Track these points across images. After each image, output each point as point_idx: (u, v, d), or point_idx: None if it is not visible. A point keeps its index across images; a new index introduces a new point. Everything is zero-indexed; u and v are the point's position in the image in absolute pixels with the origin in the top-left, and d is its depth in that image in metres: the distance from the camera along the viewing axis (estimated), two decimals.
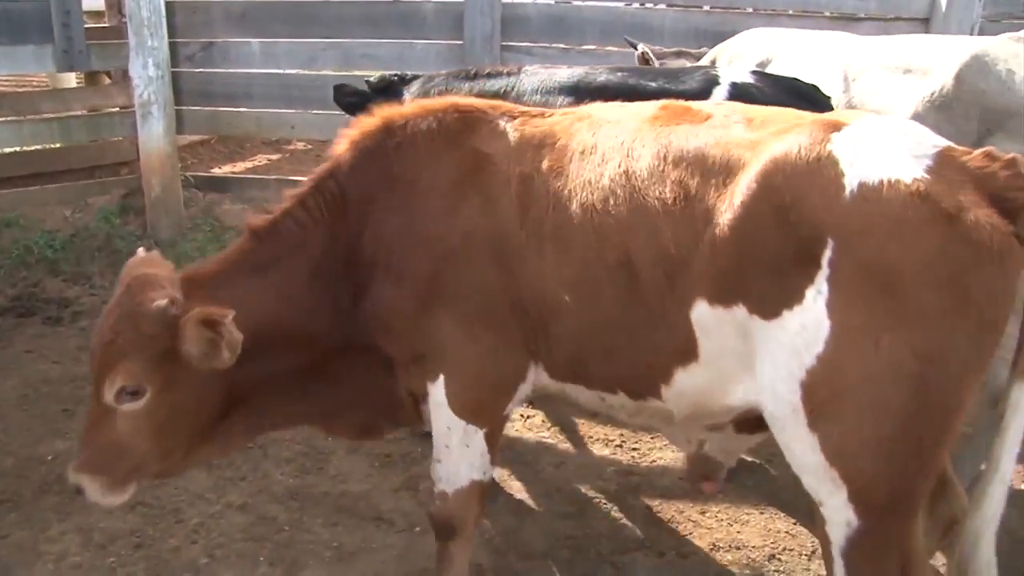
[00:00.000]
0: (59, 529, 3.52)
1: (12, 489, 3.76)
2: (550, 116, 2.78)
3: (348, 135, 2.88)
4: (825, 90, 3.79)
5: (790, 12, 6.43)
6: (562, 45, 6.53)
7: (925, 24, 5.98)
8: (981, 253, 2.03)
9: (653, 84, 3.80)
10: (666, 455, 4.14)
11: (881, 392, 2.10)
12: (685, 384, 2.48)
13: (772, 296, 2.21)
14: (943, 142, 2.22)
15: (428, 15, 6.72)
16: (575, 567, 3.38)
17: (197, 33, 7.07)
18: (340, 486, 3.84)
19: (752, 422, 2.57)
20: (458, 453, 2.82)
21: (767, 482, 3.89)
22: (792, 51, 4.38)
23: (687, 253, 2.33)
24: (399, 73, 4.55)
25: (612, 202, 2.45)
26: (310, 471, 3.95)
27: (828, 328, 2.12)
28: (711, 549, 3.49)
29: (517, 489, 3.84)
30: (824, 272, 2.13)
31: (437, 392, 2.77)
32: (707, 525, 3.64)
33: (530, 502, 3.75)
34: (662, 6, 7.22)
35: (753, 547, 3.50)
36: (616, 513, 3.70)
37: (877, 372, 2.09)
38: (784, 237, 2.17)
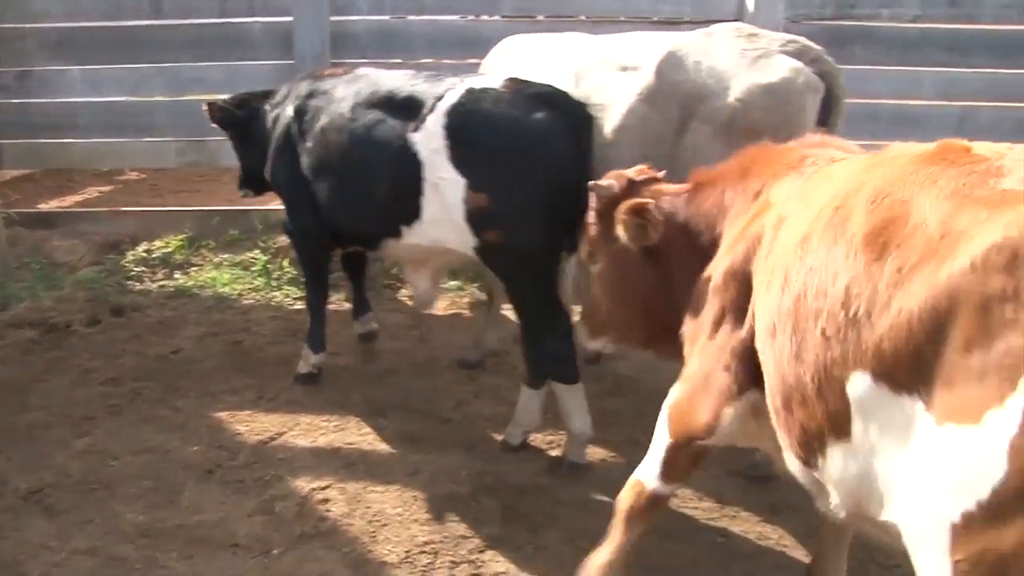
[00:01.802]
0: None
1: None
2: (839, 160, 2.67)
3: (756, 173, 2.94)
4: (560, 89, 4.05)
5: (621, 18, 6.68)
6: (393, 60, 6.59)
7: None
8: None
9: (409, 87, 4.12)
10: (518, 455, 4.27)
11: None
12: (839, 465, 2.19)
13: (975, 398, 1.74)
14: None
15: (257, 36, 6.68)
16: (435, 571, 3.45)
17: (11, 62, 6.77)
18: (193, 517, 3.76)
19: None
20: None
21: (621, 468, 4.04)
22: (533, 55, 4.62)
23: (855, 314, 2.02)
24: (250, 92, 5.08)
25: (799, 246, 2.32)
26: (161, 505, 3.85)
27: None
28: (565, 539, 3.61)
29: (373, 501, 3.87)
30: None
31: None
32: (561, 516, 3.78)
33: (387, 512, 3.78)
34: (497, 18, 7.31)
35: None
36: (473, 514, 3.79)
37: None
38: (1002, 329, 1.71)
